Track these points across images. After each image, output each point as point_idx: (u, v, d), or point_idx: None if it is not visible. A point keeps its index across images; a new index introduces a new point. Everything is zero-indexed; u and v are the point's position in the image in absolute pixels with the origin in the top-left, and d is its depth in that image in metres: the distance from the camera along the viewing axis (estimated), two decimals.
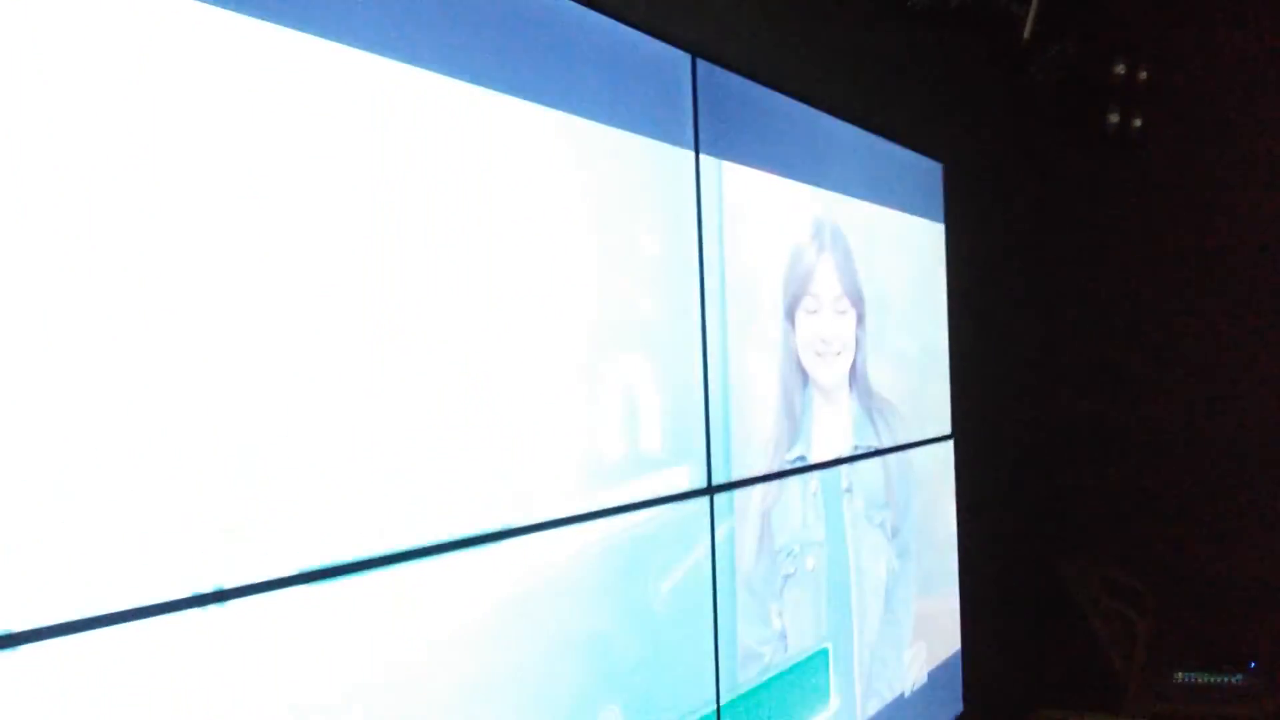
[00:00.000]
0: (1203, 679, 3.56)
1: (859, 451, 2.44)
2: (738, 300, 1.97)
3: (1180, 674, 3.58)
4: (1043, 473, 3.89)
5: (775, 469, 2.09)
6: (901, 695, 2.60)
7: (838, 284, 2.35)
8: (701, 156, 1.87)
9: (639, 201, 1.70)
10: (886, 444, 2.59)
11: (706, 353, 1.85)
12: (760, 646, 2.01)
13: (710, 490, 1.85)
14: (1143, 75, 3.84)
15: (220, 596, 1.03)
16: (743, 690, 1.95)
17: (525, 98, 1.45)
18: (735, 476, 1.94)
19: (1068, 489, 4.00)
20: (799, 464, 2.17)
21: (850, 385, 2.41)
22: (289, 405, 1.10)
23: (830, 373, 2.33)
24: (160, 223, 0.99)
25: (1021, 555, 3.69)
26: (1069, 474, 4.02)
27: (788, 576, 2.13)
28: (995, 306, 3.53)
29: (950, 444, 2.99)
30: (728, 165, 1.95)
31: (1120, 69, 3.82)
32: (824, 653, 2.25)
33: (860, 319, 2.44)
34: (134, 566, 0.96)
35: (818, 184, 2.28)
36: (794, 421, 2.17)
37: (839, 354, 2.37)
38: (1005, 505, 3.52)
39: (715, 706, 1.85)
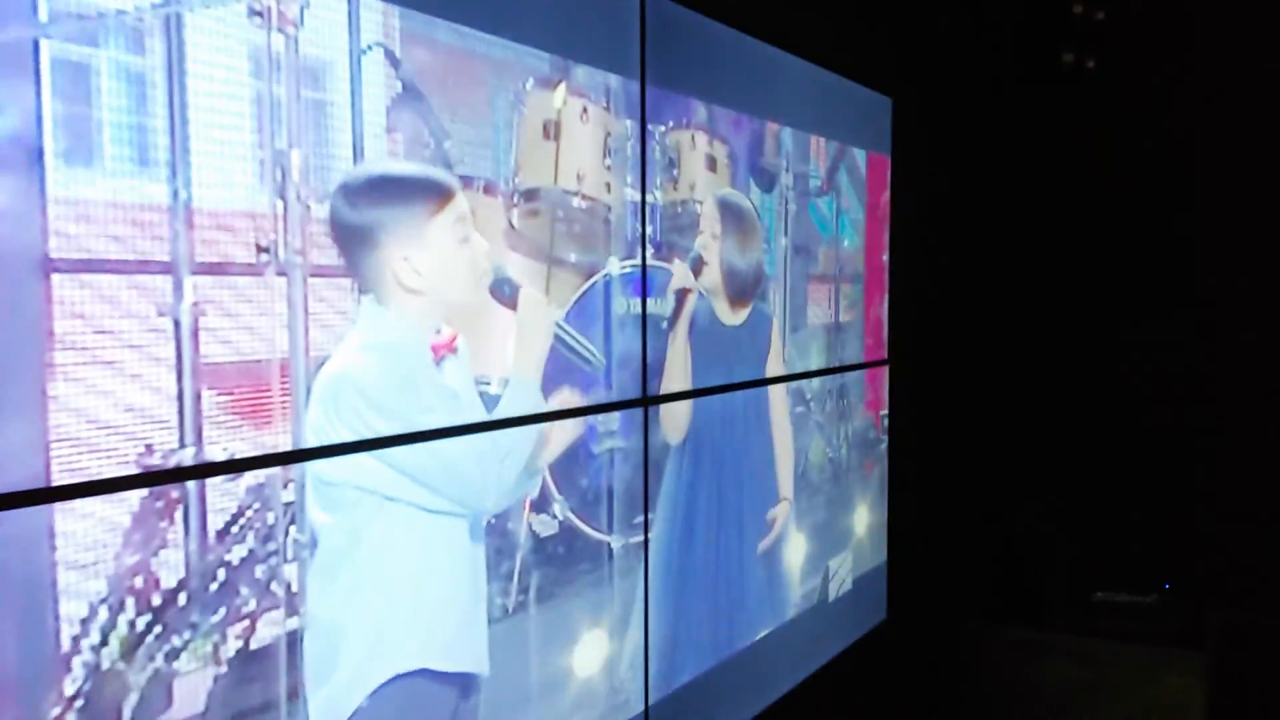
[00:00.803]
0: (1119, 598, 3.79)
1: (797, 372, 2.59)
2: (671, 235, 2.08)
3: (1099, 593, 3.81)
4: (975, 398, 4.03)
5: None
6: (825, 600, 2.78)
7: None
8: (648, 89, 1.96)
9: (585, 133, 1.79)
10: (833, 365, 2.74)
11: (646, 280, 1.97)
12: None
13: (645, 401, 1.98)
14: (1099, 16, 3.91)
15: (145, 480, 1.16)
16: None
17: (472, 25, 1.53)
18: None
19: (999, 414, 4.16)
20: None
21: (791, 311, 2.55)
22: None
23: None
24: None
25: (950, 475, 3.86)
26: (1001, 400, 4.17)
27: None
28: (938, 239, 3.64)
29: (886, 369, 3.15)
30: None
31: (1078, 9, 3.90)
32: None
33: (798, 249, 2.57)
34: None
35: (765, 117, 2.38)
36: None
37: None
38: (937, 427, 3.68)
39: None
